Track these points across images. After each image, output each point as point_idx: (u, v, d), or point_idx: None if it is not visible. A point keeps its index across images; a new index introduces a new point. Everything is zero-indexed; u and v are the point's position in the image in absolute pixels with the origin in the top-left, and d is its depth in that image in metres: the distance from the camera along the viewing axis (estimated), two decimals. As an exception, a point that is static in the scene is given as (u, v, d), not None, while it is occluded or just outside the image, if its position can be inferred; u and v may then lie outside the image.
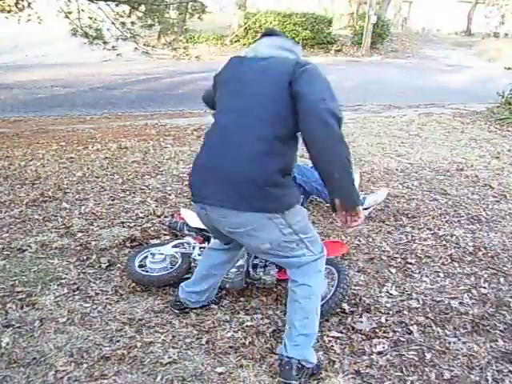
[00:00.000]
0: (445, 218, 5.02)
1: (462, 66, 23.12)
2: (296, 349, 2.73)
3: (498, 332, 3.24)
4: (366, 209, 4.86)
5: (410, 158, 7.11)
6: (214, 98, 2.84)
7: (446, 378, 2.81)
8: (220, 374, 2.78)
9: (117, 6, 11.12)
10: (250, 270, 3.51)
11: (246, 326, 3.20)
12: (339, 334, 3.15)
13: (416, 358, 2.97)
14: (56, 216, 4.78)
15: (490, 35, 33.51)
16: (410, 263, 4.10)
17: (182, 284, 3.34)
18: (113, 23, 11.26)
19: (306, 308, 2.76)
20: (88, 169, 6.20)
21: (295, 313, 2.78)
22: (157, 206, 5.05)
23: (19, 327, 3.11)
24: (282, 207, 2.55)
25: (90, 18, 11.09)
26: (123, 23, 11.30)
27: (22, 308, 3.31)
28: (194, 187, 2.70)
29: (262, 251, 2.71)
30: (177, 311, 3.31)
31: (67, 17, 10.83)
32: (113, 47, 11.22)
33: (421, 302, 3.55)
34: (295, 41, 2.86)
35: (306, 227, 2.75)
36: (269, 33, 2.79)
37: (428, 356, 2.99)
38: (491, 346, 3.09)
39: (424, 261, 4.15)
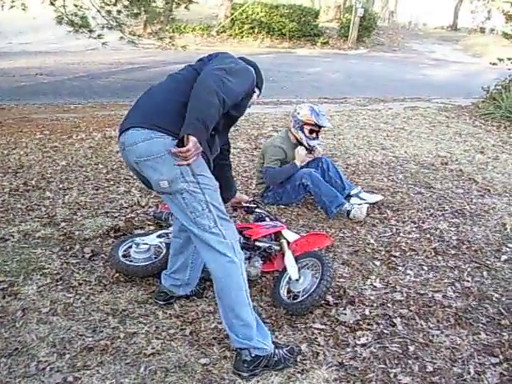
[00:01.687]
0: (429, 211, 5.05)
1: (447, 61, 23.22)
2: (239, 339, 2.73)
3: (480, 325, 3.26)
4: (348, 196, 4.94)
5: (395, 152, 7.14)
6: None
7: (428, 370, 2.83)
8: (204, 365, 2.77)
9: (103, -7, 11.02)
10: (235, 261, 3.50)
11: (230, 317, 3.19)
12: (323, 326, 3.16)
13: (399, 351, 2.98)
14: (39, 205, 4.73)
15: (476, 30, 33.66)
16: (395, 256, 4.11)
17: (163, 272, 3.38)
18: (98, 11, 11.14)
19: (227, 301, 2.74)
20: (72, 158, 6.14)
21: (221, 306, 2.78)
22: (141, 196, 5.02)
23: (1, 317, 3.08)
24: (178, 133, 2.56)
25: (76, 6, 10.96)
26: (109, 11, 11.19)
27: (3, 298, 3.27)
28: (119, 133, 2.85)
29: (163, 191, 2.69)
30: (161, 302, 3.30)
31: (52, 4, 10.69)
32: (98, 36, 11.10)
33: (404, 295, 3.56)
34: None
35: (216, 197, 2.73)
36: None
37: (411, 348, 3.00)
38: (474, 339, 3.12)
39: (408, 254, 4.17)
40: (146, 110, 2.75)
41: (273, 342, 2.82)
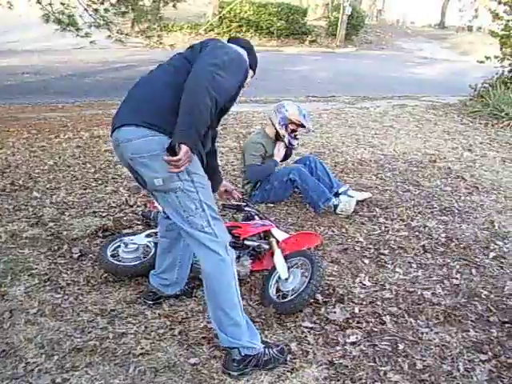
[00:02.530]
0: (418, 209, 5.06)
1: (435, 59, 23.30)
2: (228, 338, 2.72)
3: (469, 322, 3.27)
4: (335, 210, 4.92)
5: (384, 150, 7.15)
6: None
7: (418, 368, 2.83)
8: (193, 364, 2.76)
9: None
10: (224, 260, 3.49)
11: (220, 316, 3.18)
12: (313, 325, 3.16)
13: (389, 349, 2.98)
14: (27, 205, 4.70)
15: (464, 29, 33.80)
16: (383, 254, 4.12)
17: (151, 272, 3.37)
18: (85, 10, 11.10)
19: (217, 299, 2.73)
20: (59, 158, 6.11)
21: (211, 304, 2.77)
22: (129, 196, 5.00)
23: (-12, 318, 3.06)
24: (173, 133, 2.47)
25: (62, 4, 10.91)
26: (96, 10, 11.15)
27: (-9, 299, 3.25)
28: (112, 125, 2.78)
29: (157, 189, 2.66)
30: (150, 302, 3.28)
31: (39, 2, 10.63)
32: (86, 34, 11.05)
33: (394, 293, 3.57)
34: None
35: (210, 196, 2.73)
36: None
37: (401, 346, 3.00)
38: (463, 336, 3.12)
39: (397, 252, 4.17)
40: (139, 106, 2.69)
41: (263, 342, 2.82)
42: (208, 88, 2.46)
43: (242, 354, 2.70)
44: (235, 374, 2.70)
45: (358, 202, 4.94)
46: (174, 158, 2.41)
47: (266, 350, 2.77)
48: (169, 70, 2.77)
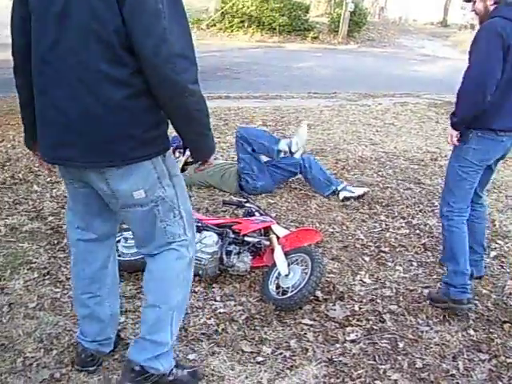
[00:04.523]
0: (418, 207, 5.05)
1: (437, 57, 23.25)
2: (140, 353, 2.42)
3: (469, 321, 3.26)
4: (293, 153, 5.15)
5: (385, 147, 7.14)
6: None
7: (418, 366, 2.82)
8: (192, 360, 2.75)
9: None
10: (224, 256, 3.49)
11: (219, 312, 3.18)
12: (312, 322, 3.15)
13: (389, 347, 2.97)
14: (27, 199, 4.69)
15: (466, 27, 33.74)
16: (384, 252, 4.11)
17: (79, 336, 2.67)
18: None
19: (157, 314, 2.40)
20: (60, 151, 6.08)
21: (145, 314, 2.47)
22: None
23: (-13, 312, 3.05)
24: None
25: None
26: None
27: (-10, 292, 3.24)
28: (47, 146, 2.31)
29: (135, 202, 2.19)
30: (91, 368, 2.63)
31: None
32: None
33: (394, 291, 3.56)
34: None
35: (186, 199, 2.39)
36: None
37: (401, 344, 3.00)
38: (463, 335, 3.12)
39: (397, 249, 4.17)
40: (98, 141, 2.08)
41: (176, 360, 2.59)
42: (185, 85, 1.97)
43: (143, 367, 2.41)
44: None
45: (358, 198, 4.96)
46: (204, 167, 2.36)
47: (175, 369, 2.51)
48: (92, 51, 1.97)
